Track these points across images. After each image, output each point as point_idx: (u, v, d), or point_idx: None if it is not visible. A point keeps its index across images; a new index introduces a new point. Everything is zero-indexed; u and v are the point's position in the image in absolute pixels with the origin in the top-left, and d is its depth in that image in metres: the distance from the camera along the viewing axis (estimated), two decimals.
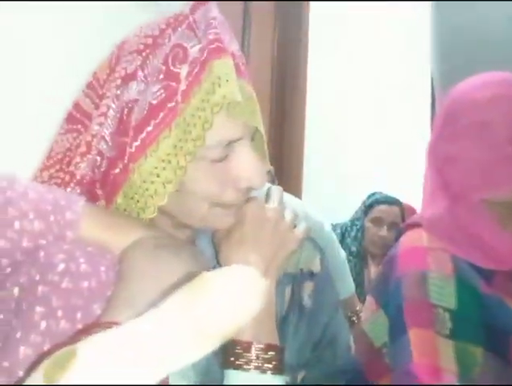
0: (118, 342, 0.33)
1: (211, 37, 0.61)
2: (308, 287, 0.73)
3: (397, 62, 2.93)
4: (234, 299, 0.34)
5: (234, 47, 0.65)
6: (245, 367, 0.59)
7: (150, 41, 0.64)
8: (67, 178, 0.65)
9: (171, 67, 0.61)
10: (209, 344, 0.34)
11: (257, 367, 0.60)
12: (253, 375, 0.59)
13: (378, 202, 2.31)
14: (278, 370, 0.61)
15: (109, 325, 0.40)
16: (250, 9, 2.34)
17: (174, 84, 0.60)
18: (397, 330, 0.88)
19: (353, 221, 2.35)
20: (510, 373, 0.86)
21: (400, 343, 0.86)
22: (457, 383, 0.81)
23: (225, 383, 0.60)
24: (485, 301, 0.88)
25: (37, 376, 0.33)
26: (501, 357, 0.86)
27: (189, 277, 0.35)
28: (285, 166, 2.67)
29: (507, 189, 0.90)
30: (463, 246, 0.92)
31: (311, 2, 2.63)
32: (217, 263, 0.67)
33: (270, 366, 0.60)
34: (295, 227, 0.69)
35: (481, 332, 0.87)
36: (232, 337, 0.36)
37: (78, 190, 0.64)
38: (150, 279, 0.50)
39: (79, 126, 0.67)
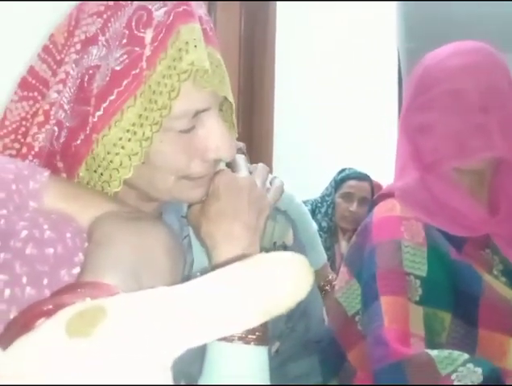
0: (152, 304, 0.31)
1: None
2: None
3: (363, 40, 2.94)
4: (286, 284, 0.35)
5: (202, 10, 0.61)
6: (228, 338, 0.58)
7: (111, 2, 0.60)
8: (24, 149, 0.61)
9: (135, 31, 0.57)
10: (252, 320, 0.34)
11: (240, 338, 0.59)
12: (236, 346, 0.59)
13: (349, 177, 2.32)
14: (262, 341, 0.60)
15: (94, 285, 0.39)
16: None
17: (138, 49, 0.57)
18: (370, 297, 0.89)
19: (323, 197, 2.36)
20: (476, 337, 0.88)
21: (372, 310, 0.87)
22: (424, 348, 0.82)
23: (207, 355, 0.59)
24: (455, 267, 0.90)
25: (55, 329, 0.30)
26: (468, 322, 0.89)
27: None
28: (255, 143, 2.66)
29: (478, 157, 0.91)
30: (434, 215, 0.94)
31: None
32: (198, 239, 0.66)
33: (254, 337, 0.59)
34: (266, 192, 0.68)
35: (450, 298, 0.89)
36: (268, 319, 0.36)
37: (37, 163, 0.60)
38: (133, 246, 0.49)
39: (35, 94, 0.63)
